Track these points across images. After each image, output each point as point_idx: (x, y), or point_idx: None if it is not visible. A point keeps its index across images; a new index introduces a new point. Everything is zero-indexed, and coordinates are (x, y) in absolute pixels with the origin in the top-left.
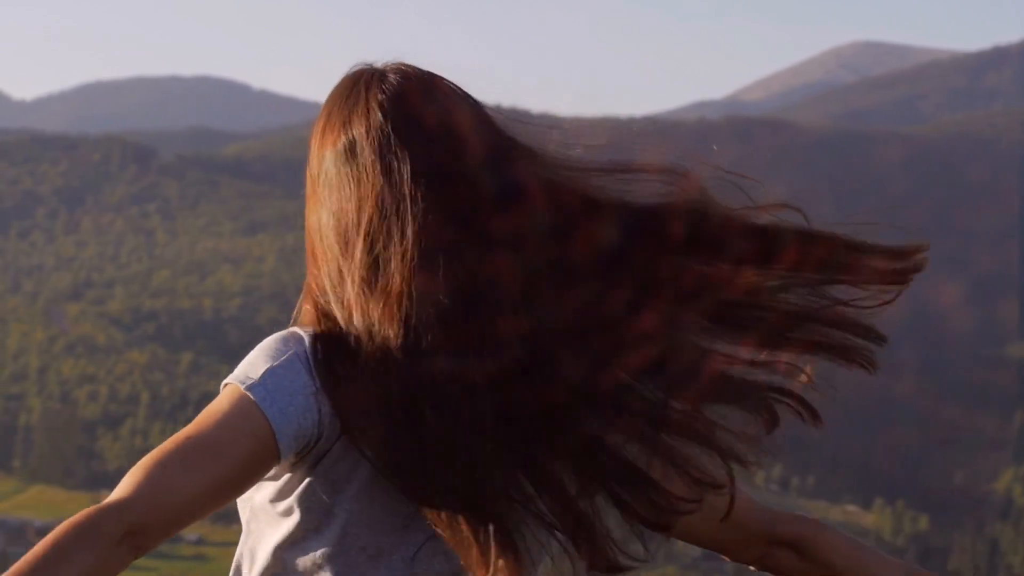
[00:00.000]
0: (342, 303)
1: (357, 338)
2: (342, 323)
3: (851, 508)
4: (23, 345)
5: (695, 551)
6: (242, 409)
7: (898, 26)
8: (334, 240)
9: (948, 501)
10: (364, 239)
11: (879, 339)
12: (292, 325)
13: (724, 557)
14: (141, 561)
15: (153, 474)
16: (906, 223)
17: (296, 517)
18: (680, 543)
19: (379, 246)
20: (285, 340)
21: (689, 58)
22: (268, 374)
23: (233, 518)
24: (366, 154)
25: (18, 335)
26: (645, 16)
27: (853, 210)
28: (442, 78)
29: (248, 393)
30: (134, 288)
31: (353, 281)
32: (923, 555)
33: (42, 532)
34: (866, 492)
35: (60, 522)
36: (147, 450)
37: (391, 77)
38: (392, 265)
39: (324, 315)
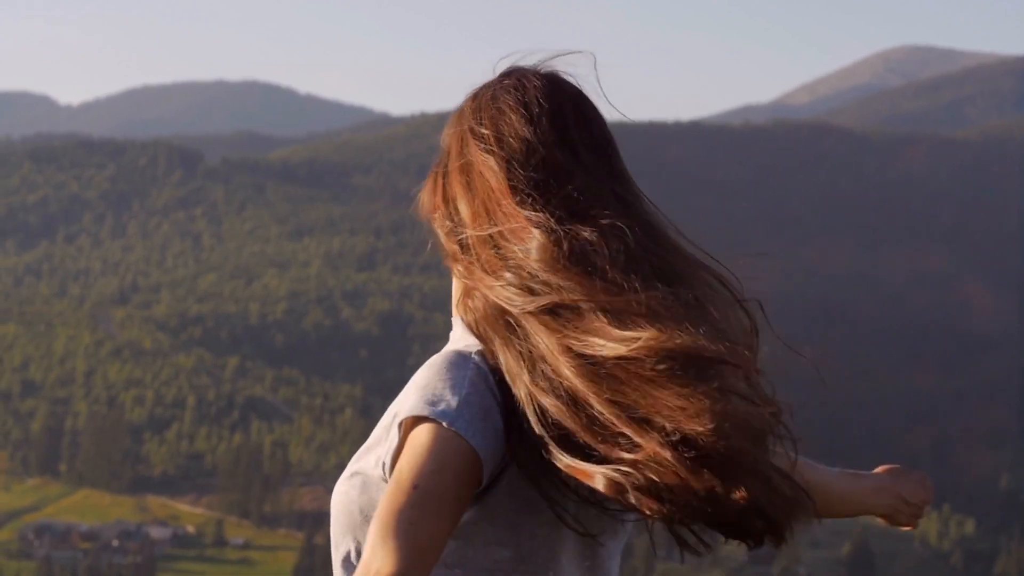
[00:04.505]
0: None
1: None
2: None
3: None
4: (70, 349)
5: (742, 555)
6: (454, 446)
7: (946, 30)
8: None
9: (994, 505)
10: None
11: None
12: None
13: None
14: (188, 565)
15: (408, 535)
16: (946, 224)
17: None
18: (725, 548)
19: None
20: (459, 362)
21: (735, 62)
22: (464, 403)
23: (280, 523)
24: None
25: (65, 339)
26: (690, 21)
27: (899, 213)
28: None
29: (451, 427)
30: (180, 292)
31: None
32: (969, 559)
33: (88, 536)
34: None
35: (106, 526)
36: (192, 454)
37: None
38: None
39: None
